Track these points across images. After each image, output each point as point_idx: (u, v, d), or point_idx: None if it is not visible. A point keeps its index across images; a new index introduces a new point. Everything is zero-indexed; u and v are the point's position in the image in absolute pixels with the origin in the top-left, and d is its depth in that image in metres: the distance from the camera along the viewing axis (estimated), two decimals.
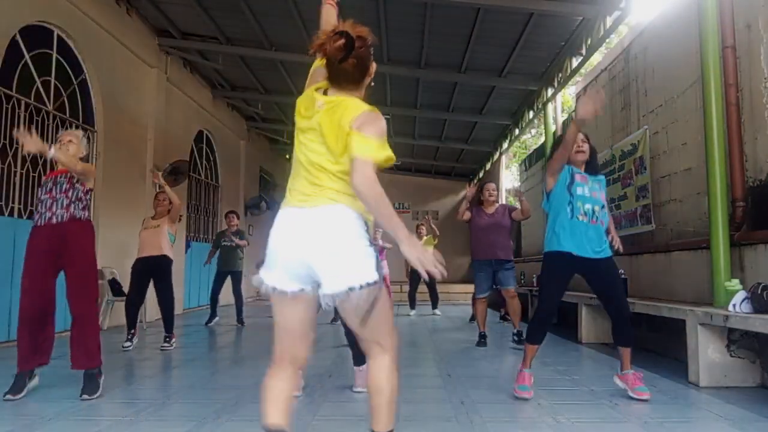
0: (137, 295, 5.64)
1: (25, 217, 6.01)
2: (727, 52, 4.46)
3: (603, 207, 3.51)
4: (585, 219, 3.41)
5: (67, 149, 3.69)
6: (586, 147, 3.55)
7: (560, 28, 7.44)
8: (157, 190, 5.95)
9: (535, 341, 3.51)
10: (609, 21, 6.69)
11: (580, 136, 3.51)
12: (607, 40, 7.37)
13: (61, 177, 3.69)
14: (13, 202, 5.88)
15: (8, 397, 3.33)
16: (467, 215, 5.92)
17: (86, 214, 3.72)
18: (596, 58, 7.94)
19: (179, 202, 5.85)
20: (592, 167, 3.62)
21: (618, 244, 3.69)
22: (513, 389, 3.49)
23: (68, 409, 3.19)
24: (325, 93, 1.90)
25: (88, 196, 3.76)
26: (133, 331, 5.52)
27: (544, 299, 3.54)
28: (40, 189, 3.74)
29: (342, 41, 1.79)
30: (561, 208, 3.46)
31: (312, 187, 1.84)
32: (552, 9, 6.73)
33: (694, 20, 4.80)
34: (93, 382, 3.49)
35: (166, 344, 5.50)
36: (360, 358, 3.66)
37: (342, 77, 1.87)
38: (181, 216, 5.84)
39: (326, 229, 1.78)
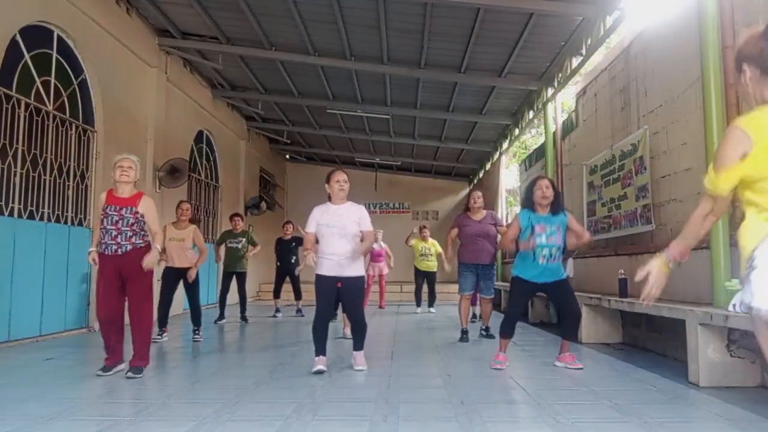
0: (168, 298, 6.38)
1: (25, 217, 6.02)
2: (727, 52, 4.45)
3: (559, 248, 4.32)
4: (544, 261, 4.30)
5: (128, 175, 4.15)
6: (549, 193, 4.33)
7: (560, 28, 7.44)
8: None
9: (507, 336, 4.53)
10: (609, 21, 6.68)
11: (545, 182, 4.36)
12: (607, 40, 7.36)
13: (127, 211, 4.11)
14: (13, 202, 5.87)
15: (99, 373, 4.07)
16: (455, 232, 6.46)
17: (146, 239, 4.26)
18: (596, 58, 7.92)
19: (206, 253, 6.57)
20: (555, 207, 4.38)
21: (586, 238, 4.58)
22: (489, 365, 4.43)
23: (68, 409, 3.19)
24: None
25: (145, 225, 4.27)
26: (164, 328, 6.28)
27: (510, 308, 4.66)
28: (105, 217, 4.10)
29: None
30: (526, 252, 4.34)
31: None
32: (552, 9, 6.72)
33: (694, 20, 4.80)
34: (139, 370, 4.12)
35: (197, 336, 6.35)
36: (358, 346, 4.45)
37: None
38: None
39: None
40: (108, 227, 4.08)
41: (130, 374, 4.03)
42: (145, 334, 4.24)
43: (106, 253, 4.10)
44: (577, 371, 4.30)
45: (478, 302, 8.82)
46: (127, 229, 4.09)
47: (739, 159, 1.79)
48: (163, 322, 6.28)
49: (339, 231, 4.24)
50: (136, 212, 4.13)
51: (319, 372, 4.16)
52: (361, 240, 4.37)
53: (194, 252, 6.44)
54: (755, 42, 1.86)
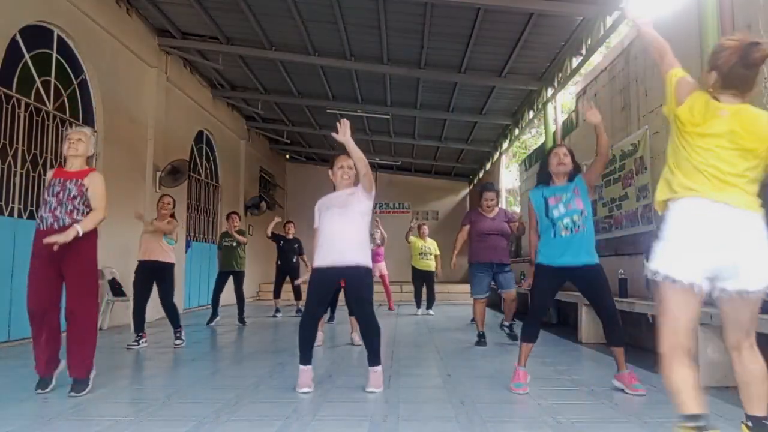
0: (142, 297, 5.76)
1: (25, 217, 6.01)
2: None
3: (582, 213, 3.70)
4: (567, 233, 3.68)
5: (77, 148, 3.67)
6: (567, 160, 3.81)
7: (560, 28, 7.44)
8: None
9: (530, 340, 3.76)
10: (609, 21, 6.69)
11: (563, 150, 3.85)
12: (607, 40, 7.37)
13: (70, 183, 3.60)
14: (13, 202, 5.87)
15: (39, 391, 3.50)
16: (467, 230, 6.03)
17: None
18: (596, 58, 7.93)
19: (170, 228, 5.87)
20: (573, 176, 3.84)
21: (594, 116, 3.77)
22: (509, 387, 3.66)
23: (68, 409, 3.19)
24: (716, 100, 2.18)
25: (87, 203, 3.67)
26: (141, 333, 5.68)
27: (535, 304, 3.86)
28: (46, 189, 3.63)
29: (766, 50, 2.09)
30: (546, 230, 3.78)
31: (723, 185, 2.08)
32: (552, 9, 6.72)
33: (694, 20, 4.80)
34: (83, 383, 3.55)
35: (178, 341, 5.75)
36: (374, 359, 3.70)
37: (747, 83, 2.17)
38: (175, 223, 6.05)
39: (753, 230, 2.03)
40: (48, 198, 3.53)
41: (72, 393, 3.44)
42: (86, 338, 3.57)
43: (41, 228, 3.50)
44: (583, 372, 4.26)
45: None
46: (68, 202, 3.53)
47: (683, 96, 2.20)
48: (139, 326, 5.69)
49: (339, 210, 3.69)
50: (82, 185, 3.59)
51: (305, 393, 3.57)
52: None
53: (169, 245, 5.89)
54: (729, 57, 2.12)
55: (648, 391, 3.69)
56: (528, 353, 3.77)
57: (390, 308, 10.61)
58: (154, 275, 5.72)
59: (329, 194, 3.94)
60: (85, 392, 3.49)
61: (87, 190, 3.62)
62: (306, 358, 3.71)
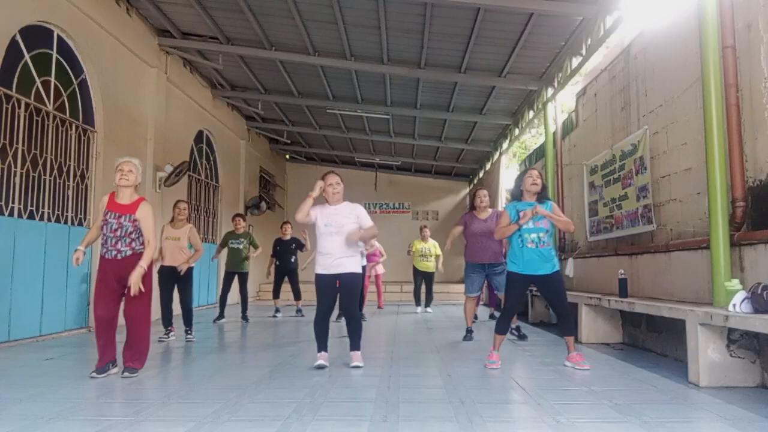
0: (169, 294, 6.36)
1: (25, 217, 6.02)
2: (727, 52, 4.45)
3: (547, 231, 4.48)
4: (533, 246, 4.45)
5: (128, 179, 4.15)
6: (539, 181, 4.56)
7: (560, 28, 7.44)
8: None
9: (502, 332, 4.65)
10: (609, 21, 6.68)
11: (535, 172, 4.61)
12: (607, 40, 7.36)
13: (125, 219, 4.13)
14: (13, 202, 5.87)
15: (93, 375, 4.04)
16: (459, 229, 6.43)
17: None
18: (596, 58, 7.92)
19: (201, 252, 6.55)
20: (542, 197, 4.58)
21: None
22: (485, 364, 4.53)
23: (68, 409, 3.19)
24: None
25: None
26: (170, 327, 6.35)
27: (507, 304, 4.71)
28: (105, 224, 4.13)
29: None
30: (514, 239, 4.54)
31: None
32: (552, 9, 6.72)
33: (694, 20, 4.80)
34: (134, 371, 4.15)
35: (189, 336, 6.30)
36: (355, 346, 4.53)
37: None
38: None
39: None
40: (108, 234, 4.13)
41: (126, 374, 4.07)
42: (143, 337, 4.24)
43: (107, 257, 4.15)
44: (582, 372, 4.28)
45: (480, 303, 8.88)
46: (126, 237, 4.14)
47: None
48: (167, 321, 6.31)
49: (336, 229, 4.42)
50: (135, 220, 4.15)
51: (320, 367, 4.35)
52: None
53: (190, 251, 6.42)
54: None
55: (648, 391, 3.70)
56: (501, 341, 4.67)
57: (379, 306, 10.81)
58: (174, 279, 6.29)
59: (326, 207, 4.56)
60: (136, 375, 4.11)
61: (140, 222, 4.17)
62: (321, 347, 4.50)
